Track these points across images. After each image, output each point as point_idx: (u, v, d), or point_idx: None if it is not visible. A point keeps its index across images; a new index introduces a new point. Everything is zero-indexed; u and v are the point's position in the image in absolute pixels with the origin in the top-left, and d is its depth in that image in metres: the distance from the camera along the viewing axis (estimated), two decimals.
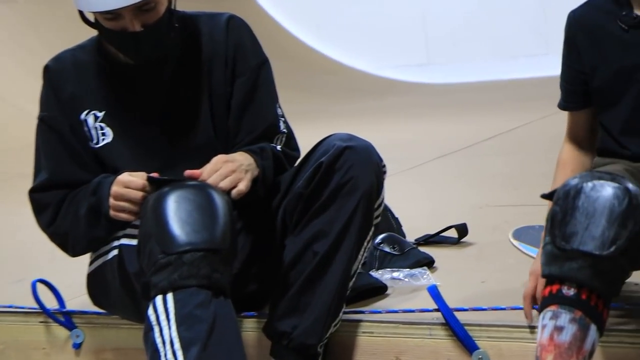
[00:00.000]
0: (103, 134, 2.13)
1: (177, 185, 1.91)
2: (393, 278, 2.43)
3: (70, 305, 2.45)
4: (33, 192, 2.16)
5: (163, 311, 1.80)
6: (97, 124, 2.13)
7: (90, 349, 2.38)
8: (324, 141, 2.09)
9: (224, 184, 1.96)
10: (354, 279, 2.06)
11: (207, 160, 2.01)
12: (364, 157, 2.02)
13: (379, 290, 2.34)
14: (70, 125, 2.14)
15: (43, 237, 2.24)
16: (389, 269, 2.49)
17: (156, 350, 1.79)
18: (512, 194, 3.65)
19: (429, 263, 2.58)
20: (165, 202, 1.87)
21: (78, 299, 2.47)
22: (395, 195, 3.26)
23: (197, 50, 2.15)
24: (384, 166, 2.08)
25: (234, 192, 1.98)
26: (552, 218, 1.67)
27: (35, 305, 2.40)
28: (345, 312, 2.10)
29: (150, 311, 1.81)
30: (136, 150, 2.08)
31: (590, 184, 1.65)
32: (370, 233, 2.06)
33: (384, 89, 9.43)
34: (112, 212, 2.01)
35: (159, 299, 1.81)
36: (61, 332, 2.41)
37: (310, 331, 1.99)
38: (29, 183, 2.20)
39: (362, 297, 2.28)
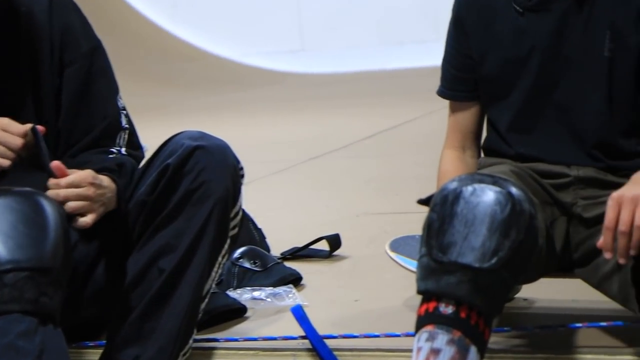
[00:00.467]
0: None
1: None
2: (254, 298, 2.44)
3: None
4: None
5: None
6: None
7: None
8: (172, 140, 2.07)
9: (70, 206, 1.94)
10: (206, 300, 2.06)
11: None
12: (218, 159, 2.02)
13: (237, 312, 2.35)
14: None
15: None
16: (249, 288, 2.50)
17: None
18: (393, 200, 3.72)
19: (295, 280, 2.61)
20: None
21: None
22: (259, 203, 3.28)
23: (14, 34, 2.10)
24: (242, 169, 2.09)
25: (79, 221, 1.95)
26: (428, 227, 1.71)
27: None
28: (196, 340, 2.09)
29: None
30: None
31: (470, 188, 1.70)
32: (226, 246, 2.06)
33: (250, 78, 9.46)
34: None
35: None
36: None
37: None
38: None
39: (217, 320, 2.29)
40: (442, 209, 1.70)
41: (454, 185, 1.72)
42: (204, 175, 2.00)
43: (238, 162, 2.08)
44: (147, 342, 1.98)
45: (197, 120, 6.49)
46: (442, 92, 2.18)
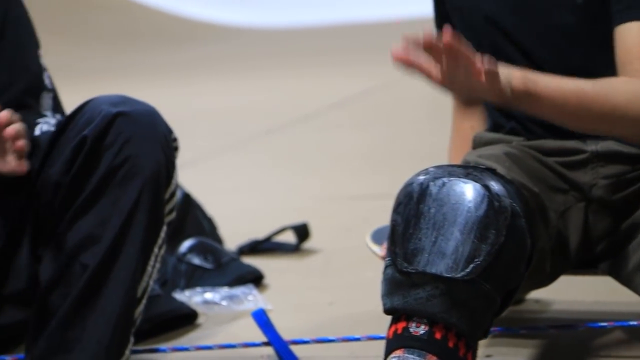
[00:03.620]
0: None
1: None
2: (206, 301, 2.49)
3: None
4: None
5: None
6: None
7: None
8: (87, 106, 2.05)
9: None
10: (144, 302, 2.06)
11: None
12: (145, 128, 2.02)
13: (186, 319, 2.39)
14: None
15: None
16: (200, 289, 2.55)
17: None
18: (373, 180, 3.76)
19: (255, 279, 2.66)
20: None
21: None
22: (208, 186, 3.34)
23: None
24: (175, 140, 2.10)
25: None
26: (392, 231, 1.74)
27: None
28: (135, 351, 2.11)
29: None
30: None
31: (438, 182, 1.73)
32: (162, 234, 2.07)
33: (189, 34, 9.47)
34: None
35: None
36: None
37: None
38: None
39: (162, 329, 2.34)
40: (406, 209, 1.71)
41: (419, 179, 1.74)
42: (129, 149, 2.00)
43: (170, 131, 2.08)
44: (71, 356, 2.00)
45: (123, 84, 6.50)
46: None
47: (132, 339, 2.04)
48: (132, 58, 8.51)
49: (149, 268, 2.05)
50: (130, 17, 9.76)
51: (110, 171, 2.00)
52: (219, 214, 3.05)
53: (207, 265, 2.65)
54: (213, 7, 10.05)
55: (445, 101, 2.83)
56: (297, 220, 3.02)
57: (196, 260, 2.65)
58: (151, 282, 2.07)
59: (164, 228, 2.06)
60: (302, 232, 2.98)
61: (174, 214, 2.09)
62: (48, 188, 2.05)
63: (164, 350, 2.22)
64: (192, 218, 2.95)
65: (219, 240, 2.95)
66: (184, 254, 2.67)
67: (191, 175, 2.89)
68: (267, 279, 2.69)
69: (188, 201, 2.98)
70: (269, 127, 5.17)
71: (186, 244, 2.70)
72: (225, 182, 4.05)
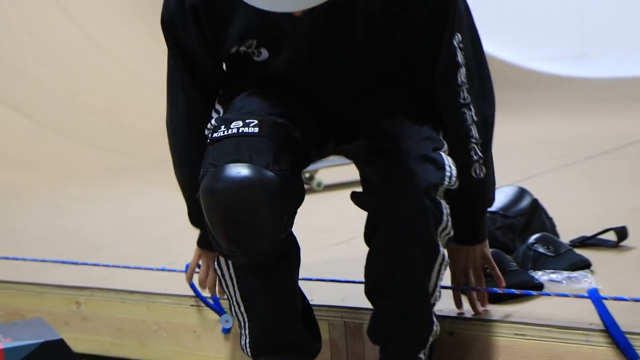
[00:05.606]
0: None
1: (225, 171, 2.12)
2: (551, 280, 2.61)
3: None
4: None
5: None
6: None
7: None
8: None
9: None
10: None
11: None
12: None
13: (534, 289, 2.52)
14: None
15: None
16: (548, 270, 2.66)
17: None
18: None
19: (584, 266, 2.75)
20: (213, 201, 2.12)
21: None
22: (548, 194, 3.43)
23: None
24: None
25: None
26: None
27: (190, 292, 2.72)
28: None
29: None
30: None
31: None
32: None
33: (534, 82, 9.58)
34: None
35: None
36: (212, 315, 2.72)
37: None
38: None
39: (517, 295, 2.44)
40: None
41: None
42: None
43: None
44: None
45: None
46: None
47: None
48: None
49: None
50: (492, 69, 9.94)
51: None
52: (557, 216, 3.18)
53: (549, 253, 2.75)
54: (553, 63, 10.14)
55: None
56: (616, 224, 3.08)
57: (541, 249, 2.76)
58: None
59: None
60: (622, 233, 3.05)
61: None
62: None
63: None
64: (538, 218, 3.08)
65: (557, 235, 3.06)
66: (532, 244, 2.79)
67: (532, 186, 3.08)
68: (594, 267, 2.77)
69: (535, 205, 3.11)
70: (592, 152, 5.23)
71: (534, 237, 2.82)
72: (560, 191, 4.15)
